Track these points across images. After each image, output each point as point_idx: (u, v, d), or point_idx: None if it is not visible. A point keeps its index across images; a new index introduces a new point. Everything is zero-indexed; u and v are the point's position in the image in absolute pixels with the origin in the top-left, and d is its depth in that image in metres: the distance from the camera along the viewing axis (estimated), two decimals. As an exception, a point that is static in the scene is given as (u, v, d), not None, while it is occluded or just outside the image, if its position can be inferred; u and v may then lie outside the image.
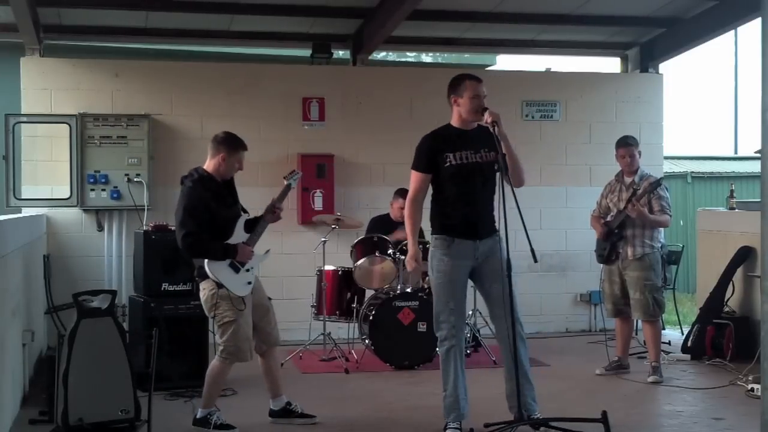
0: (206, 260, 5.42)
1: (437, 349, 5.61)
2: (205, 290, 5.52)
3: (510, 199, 5.13)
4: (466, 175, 5.38)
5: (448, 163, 5.39)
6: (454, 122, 5.51)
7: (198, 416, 5.58)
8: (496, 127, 5.20)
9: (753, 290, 7.93)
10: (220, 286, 5.42)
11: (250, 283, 5.55)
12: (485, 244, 5.39)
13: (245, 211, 5.73)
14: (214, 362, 5.61)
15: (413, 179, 5.54)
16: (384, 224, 8.25)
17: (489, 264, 5.41)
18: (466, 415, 5.47)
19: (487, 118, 5.25)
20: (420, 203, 5.56)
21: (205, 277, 5.48)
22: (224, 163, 5.58)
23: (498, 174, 5.38)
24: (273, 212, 5.70)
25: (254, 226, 5.66)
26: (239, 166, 5.67)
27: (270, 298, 5.84)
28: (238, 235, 5.57)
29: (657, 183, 7.12)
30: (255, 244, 5.62)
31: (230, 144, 5.62)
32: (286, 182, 5.84)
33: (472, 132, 5.40)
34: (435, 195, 5.56)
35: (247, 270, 5.54)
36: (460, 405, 5.42)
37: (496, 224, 5.37)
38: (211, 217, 5.45)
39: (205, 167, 5.62)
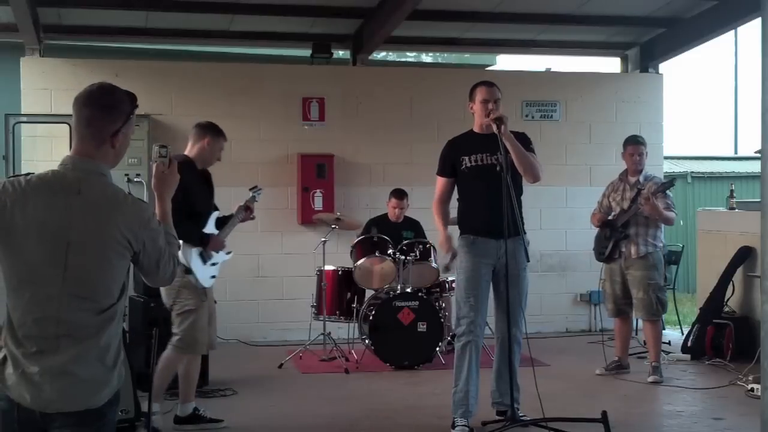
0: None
1: (454, 344, 5.64)
2: None
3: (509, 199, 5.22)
4: (482, 176, 5.49)
5: (464, 166, 5.56)
6: (475, 128, 5.67)
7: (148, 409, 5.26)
8: (501, 128, 5.31)
9: (753, 290, 7.93)
10: (187, 272, 5.30)
11: (213, 277, 5.53)
12: (508, 244, 5.36)
13: (217, 209, 5.74)
14: (166, 352, 5.45)
15: (437, 184, 5.75)
16: (381, 225, 8.24)
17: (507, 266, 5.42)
18: (474, 413, 5.49)
19: (489, 119, 5.37)
20: (443, 205, 5.74)
21: None
22: (208, 148, 5.59)
23: (505, 174, 5.38)
24: (246, 210, 5.78)
25: (224, 224, 5.70)
26: (219, 156, 5.71)
27: (216, 302, 5.77)
28: (210, 229, 5.57)
29: (671, 182, 7.16)
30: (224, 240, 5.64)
31: (215, 130, 5.66)
32: (251, 194, 5.94)
33: (490, 135, 5.43)
34: (459, 197, 5.72)
35: (212, 264, 5.52)
36: (469, 402, 5.44)
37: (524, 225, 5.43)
38: (191, 201, 5.27)
39: (186, 153, 5.60)
